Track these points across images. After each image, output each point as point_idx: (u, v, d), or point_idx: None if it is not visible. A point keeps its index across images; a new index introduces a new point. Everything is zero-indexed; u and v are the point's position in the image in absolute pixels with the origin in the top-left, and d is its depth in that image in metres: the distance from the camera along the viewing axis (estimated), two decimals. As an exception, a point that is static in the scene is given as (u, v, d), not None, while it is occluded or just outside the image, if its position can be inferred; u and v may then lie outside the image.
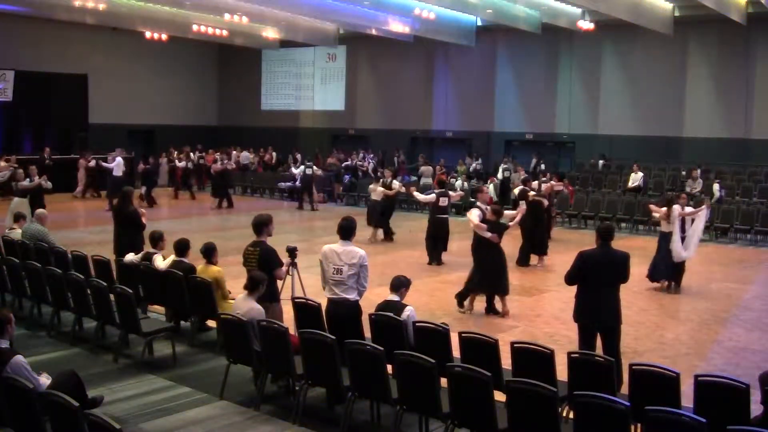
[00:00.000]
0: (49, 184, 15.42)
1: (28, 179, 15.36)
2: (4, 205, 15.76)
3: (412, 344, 6.59)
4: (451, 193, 14.90)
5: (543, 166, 24.10)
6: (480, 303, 10.53)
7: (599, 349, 7.15)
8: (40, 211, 11.70)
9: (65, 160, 24.52)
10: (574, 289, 11.66)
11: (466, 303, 10.54)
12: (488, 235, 10.18)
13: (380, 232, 16.61)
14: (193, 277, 8.43)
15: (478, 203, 10.91)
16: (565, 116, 26.19)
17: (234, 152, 28.69)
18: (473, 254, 10.52)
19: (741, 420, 4.98)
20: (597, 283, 7.23)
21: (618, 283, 7.37)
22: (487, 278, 10.28)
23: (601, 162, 24.04)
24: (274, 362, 6.70)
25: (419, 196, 14.92)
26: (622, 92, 24.95)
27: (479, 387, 5.31)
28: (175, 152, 26.97)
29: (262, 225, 7.63)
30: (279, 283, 7.85)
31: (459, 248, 16.77)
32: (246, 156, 28.85)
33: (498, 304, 10.43)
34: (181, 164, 25.60)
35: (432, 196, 14.16)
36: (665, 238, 12.05)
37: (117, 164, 21.20)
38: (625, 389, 5.73)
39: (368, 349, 6.02)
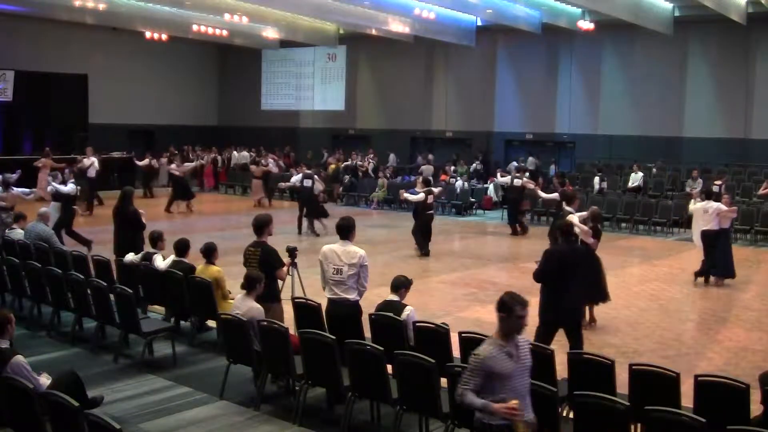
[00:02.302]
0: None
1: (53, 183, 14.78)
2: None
3: (412, 344, 6.59)
4: (434, 189, 15.76)
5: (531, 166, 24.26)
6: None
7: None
8: (42, 210, 11.64)
9: (65, 160, 24.40)
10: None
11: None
12: (591, 240, 9.80)
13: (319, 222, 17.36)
14: (193, 277, 8.43)
15: (567, 207, 10.38)
16: (565, 116, 26.19)
17: (235, 152, 28.68)
18: None
19: (741, 420, 4.98)
20: (565, 280, 7.34)
21: (581, 277, 7.56)
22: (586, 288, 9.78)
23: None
24: (274, 362, 6.70)
25: (410, 197, 15.46)
26: (622, 92, 24.95)
27: (479, 387, 5.31)
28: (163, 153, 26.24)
29: (262, 225, 7.64)
30: (279, 283, 7.86)
31: (461, 247, 16.82)
32: (245, 156, 28.84)
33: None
34: (142, 163, 24.19)
35: (421, 196, 14.93)
36: (726, 234, 12.73)
37: (92, 165, 20.40)
38: (624, 389, 5.73)
39: (368, 349, 6.02)
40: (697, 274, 12.72)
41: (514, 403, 4.24)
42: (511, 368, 4.36)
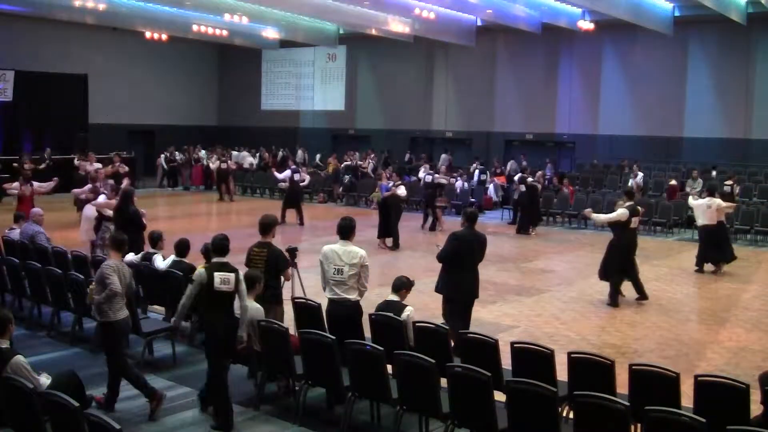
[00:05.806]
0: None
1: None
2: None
3: (412, 344, 6.59)
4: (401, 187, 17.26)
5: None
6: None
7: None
8: (35, 210, 11.60)
9: (65, 160, 24.31)
10: (574, 289, 11.68)
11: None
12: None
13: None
14: (193, 277, 8.41)
15: (620, 202, 11.76)
16: (565, 116, 26.18)
17: (234, 152, 28.69)
18: (619, 251, 11.27)
19: (741, 420, 4.98)
20: (466, 261, 8.16)
21: (479, 261, 8.37)
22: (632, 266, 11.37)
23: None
24: (274, 362, 6.70)
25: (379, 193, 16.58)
26: (622, 92, 24.95)
27: (479, 387, 5.31)
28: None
29: (269, 226, 7.59)
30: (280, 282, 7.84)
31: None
32: (245, 156, 28.84)
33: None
34: (78, 163, 21.75)
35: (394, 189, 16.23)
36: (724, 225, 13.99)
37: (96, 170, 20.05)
38: (624, 389, 5.73)
39: (368, 349, 6.02)
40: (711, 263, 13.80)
41: None
42: None
